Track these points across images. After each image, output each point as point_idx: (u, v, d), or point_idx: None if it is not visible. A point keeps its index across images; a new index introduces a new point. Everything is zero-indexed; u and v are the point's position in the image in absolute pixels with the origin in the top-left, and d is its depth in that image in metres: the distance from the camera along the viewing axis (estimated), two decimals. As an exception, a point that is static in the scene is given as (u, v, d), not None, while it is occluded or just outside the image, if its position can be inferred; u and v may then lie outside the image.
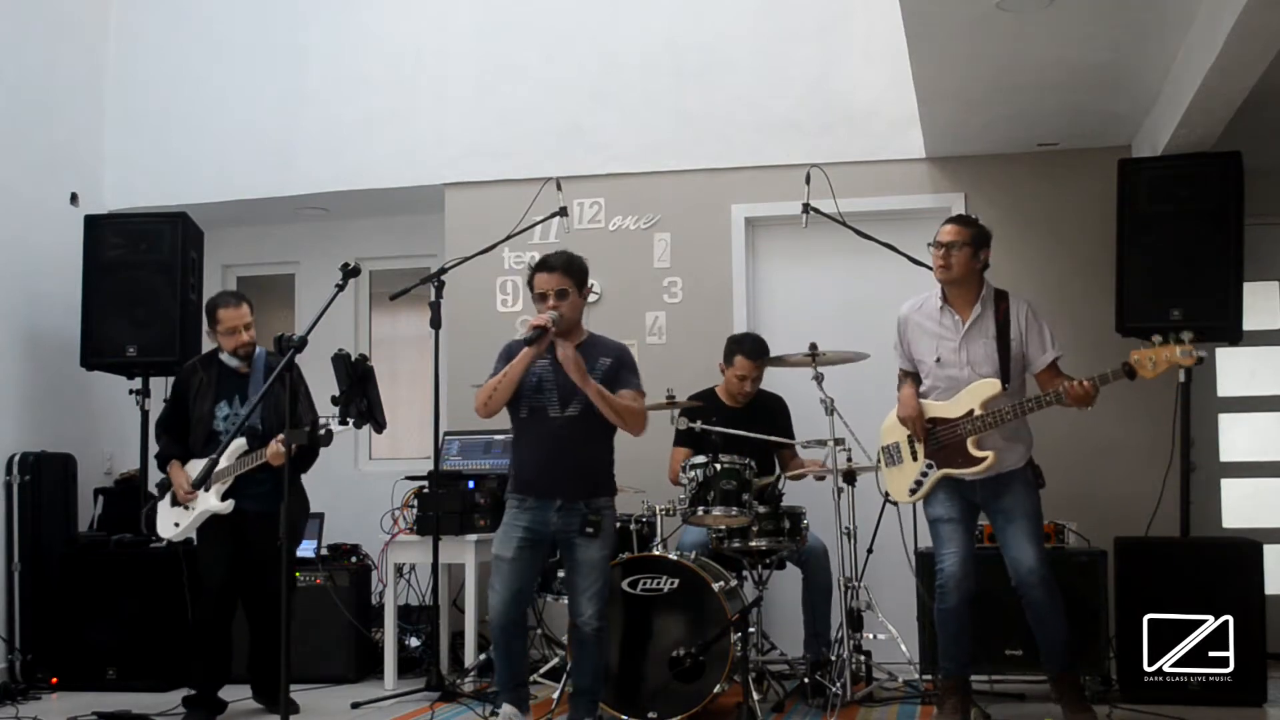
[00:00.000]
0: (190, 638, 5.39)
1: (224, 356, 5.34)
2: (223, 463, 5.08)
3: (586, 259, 4.72)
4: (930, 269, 5.61)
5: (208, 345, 5.71)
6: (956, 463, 4.59)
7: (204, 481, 5.02)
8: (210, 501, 5.18)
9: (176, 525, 5.31)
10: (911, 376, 4.81)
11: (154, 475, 5.74)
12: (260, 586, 5.22)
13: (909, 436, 4.72)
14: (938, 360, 4.69)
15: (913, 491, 4.73)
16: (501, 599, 4.52)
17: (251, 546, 5.22)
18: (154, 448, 5.64)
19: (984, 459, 4.52)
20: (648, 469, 5.84)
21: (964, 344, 4.65)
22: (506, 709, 4.59)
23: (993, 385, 4.56)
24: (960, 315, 4.68)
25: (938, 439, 4.64)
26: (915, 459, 4.71)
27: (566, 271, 4.59)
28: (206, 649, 5.25)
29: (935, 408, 4.67)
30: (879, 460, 4.97)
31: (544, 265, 4.62)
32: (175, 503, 5.33)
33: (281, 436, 4.76)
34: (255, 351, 5.35)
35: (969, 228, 4.72)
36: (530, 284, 4.66)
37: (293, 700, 5.15)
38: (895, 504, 5.20)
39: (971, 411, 4.55)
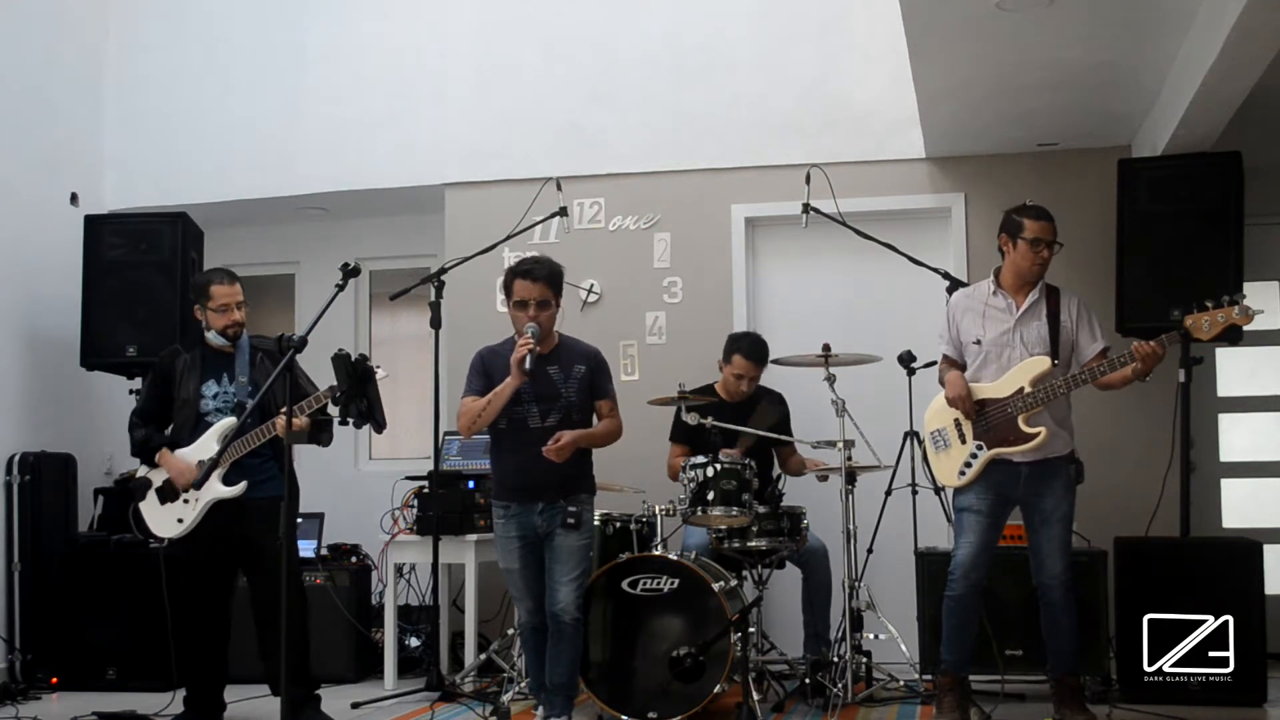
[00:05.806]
0: (182, 640, 5.20)
1: (210, 336, 5.11)
2: (217, 446, 4.88)
3: (564, 266, 4.76)
4: (930, 269, 5.69)
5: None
6: (1008, 441, 4.57)
7: (202, 483, 4.90)
8: (216, 488, 4.89)
9: (180, 521, 4.97)
10: (956, 365, 4.79)
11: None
12: (261, 573, 4.97)
13: (956, 420, 4.70)
14: (989, 340, 4.68)
15: (962, 475, 4.67)
16: (525, 607, 4.70)
17: (250, 534, 4.93)
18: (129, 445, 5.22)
19: (1035, 435, 4.52)
20: (648, 469, 5.84)
21: (1018, 325, 4.67)
22: (542, 711, 4.69)
23: (1042, 362, 4.57)
24: (1015, 300, 4.70)
25: (986, 420, 4.63)
26: (964, 442, 4.68)
27: (549, 282, 4.59)
28: (203, 651, 5.06)
29: (983, 389, 4.66)
30: (925, 447, 4.95)
31: (527, 273, 4.58)
32: (167, 498, 5.04)
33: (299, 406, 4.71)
34: (242, 333, 5.15)
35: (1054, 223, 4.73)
36: (508, 288, 4.64)
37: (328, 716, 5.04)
38: (942, 490, 5.21)
39: (1021, 389, 4.56)
